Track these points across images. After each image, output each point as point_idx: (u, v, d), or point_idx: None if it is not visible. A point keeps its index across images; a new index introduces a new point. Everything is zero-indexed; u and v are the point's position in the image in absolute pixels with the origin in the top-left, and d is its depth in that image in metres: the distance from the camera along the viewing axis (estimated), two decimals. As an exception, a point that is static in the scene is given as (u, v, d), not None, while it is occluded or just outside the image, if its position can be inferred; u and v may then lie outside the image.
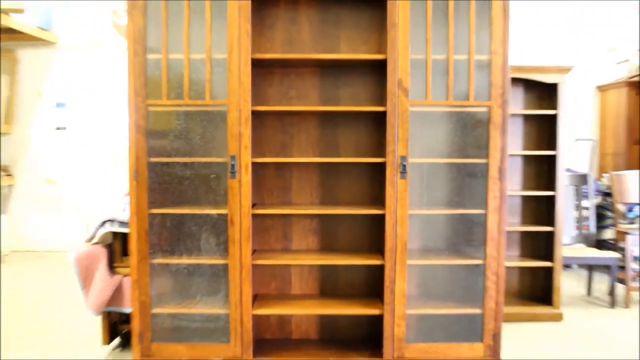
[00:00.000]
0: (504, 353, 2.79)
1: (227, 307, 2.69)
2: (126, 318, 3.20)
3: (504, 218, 2.68)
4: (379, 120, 2.82)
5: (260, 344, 2.90)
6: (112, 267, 3.06)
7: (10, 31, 5.44)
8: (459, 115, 2.80)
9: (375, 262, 2.75)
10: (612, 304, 4.13)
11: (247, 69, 2.60)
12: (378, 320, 2.76)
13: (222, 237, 2.69)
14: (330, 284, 3.01)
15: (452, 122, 2.82)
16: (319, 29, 2.92)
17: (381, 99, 2.81)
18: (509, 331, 3.50)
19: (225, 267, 2.69)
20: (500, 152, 2.66)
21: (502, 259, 2.69)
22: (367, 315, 2.82)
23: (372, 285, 2.94)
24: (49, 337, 3.46)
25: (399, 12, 2.60)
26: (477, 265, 2.73)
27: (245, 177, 2.64)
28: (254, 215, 2.73)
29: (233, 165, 2.63)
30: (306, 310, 2.84)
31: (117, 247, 3.08)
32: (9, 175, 6.07)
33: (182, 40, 2.63)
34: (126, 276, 3.02)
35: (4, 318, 3.83)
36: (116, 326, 3.22)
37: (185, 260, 2.76)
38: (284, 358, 2.77)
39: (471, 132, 2.77)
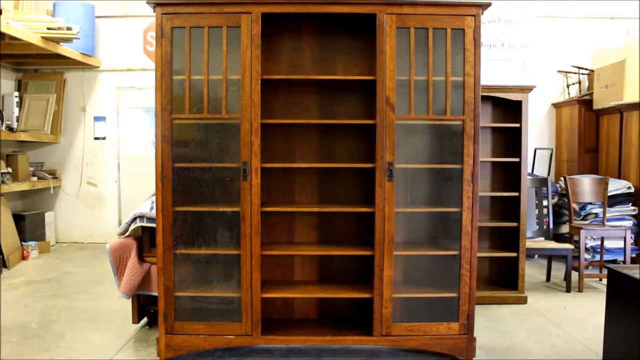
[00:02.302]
0: (476, 330, 2.76)
1: (239, 291, 2.65)
2: (153, 300, 3.16)
3: (476, 215, 2.64)
4: (369, 132, 2.79)
5: (268, 323, 2.85)
6: (141, 256, 3.03)
7: (60, 57, 5.42)
8: (437, 128, 2.76)
9: (366, 253, 2.71)
10: (568, 288, 4.09)
11: (257, 88, 2.57)
12: (369, 303, 2.71)
13: (235, 231, 2.65)
14: (327, 272, 2.97)
15: (431, 133, 2.78)
16: (319, 54, 2.90)
17: (371, 113, 2.77)
18: (480, 312, 3.47)
19: (237, 257, 2.65)
20: (472, 159, 2.63)
21: (475, 250, 2.65)
22: (359, 298, 2.78)
23: (364, 273, 2.90)
24: (87, 315, 3.43)
25: (387, 41, 2.58)
26: (453, 256, 2.69)
27: (255, 180, 2.60)
28: (263, 213, 2.69)
29: (245, 170, 2.60)
30: (307, 294, 2.80)
31: (145, 239, 3.05)
32: (56, 178, 6.03)
33: (203, 64, 2.60)
34: (153, 264, 2.98)
35: (52, 299, 3.79)
36: (144, 307, 3.19)
37: (203, 251, 2.72)
38: (288, 335, 2.73)
39: (448, 142, 2.73)
